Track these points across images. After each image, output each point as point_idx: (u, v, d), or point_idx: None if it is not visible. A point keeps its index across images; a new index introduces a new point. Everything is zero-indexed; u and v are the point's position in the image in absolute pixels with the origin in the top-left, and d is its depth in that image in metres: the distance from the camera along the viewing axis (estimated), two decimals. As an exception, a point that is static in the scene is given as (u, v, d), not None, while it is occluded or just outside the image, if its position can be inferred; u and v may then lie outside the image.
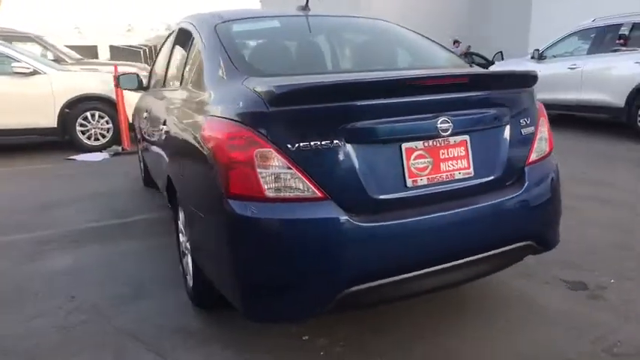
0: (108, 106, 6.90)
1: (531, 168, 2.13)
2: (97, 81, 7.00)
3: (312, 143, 1.69)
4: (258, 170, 1.67)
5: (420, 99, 1.84)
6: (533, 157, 2.15)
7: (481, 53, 12.94)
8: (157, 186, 4.04)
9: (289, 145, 1.68)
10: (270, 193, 1.68)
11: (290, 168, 1.68)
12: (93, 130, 6.94)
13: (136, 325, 2.35)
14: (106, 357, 2.12)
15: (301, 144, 1.68)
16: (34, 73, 6.62)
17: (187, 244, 2.41)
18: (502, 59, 10.86)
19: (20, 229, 3.77)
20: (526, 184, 2.07)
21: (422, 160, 1.86)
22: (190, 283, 2.47)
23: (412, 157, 1.84)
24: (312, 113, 1.71)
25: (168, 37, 3.71)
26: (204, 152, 1.89)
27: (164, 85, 3.34)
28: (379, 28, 2.92)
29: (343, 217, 1.71)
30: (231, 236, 1.76)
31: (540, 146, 2.19)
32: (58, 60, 9.17)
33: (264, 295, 1.77)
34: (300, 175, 1.69)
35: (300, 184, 1.69)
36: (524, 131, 2.12)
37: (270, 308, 1.80)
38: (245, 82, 1.91)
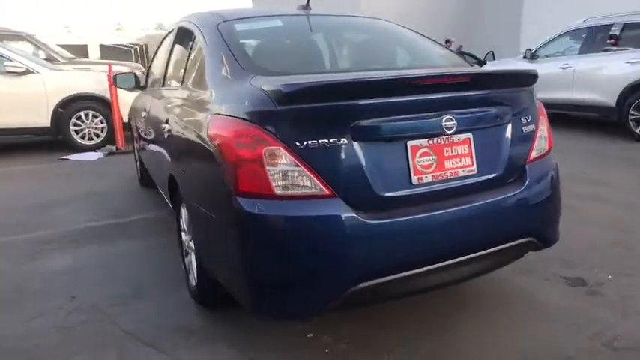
0: (102, 105, 6.88)
1: (532, 166, 2.16)
2: (91, 80, 6.97)
3: (319, 141, 1.70)
4: (267, 168, 1.68)
5: (426, 97, 1.86)
6: (533, 155, 2.18)
7: (472, 53, 13.02)
8: (154, 185, 4.03)
9: (297, 143, 1.69)
10: (278, 191, 1.69)
11: (298, 166, 1.69)
12: (87, 130, 6.90)
13: (137, 324, 2.35)
14: (108, 356, 2.12)
15: (309, 142, 1.70)
16: (27, 72, 6.58)
17: (190, 243, 2.41)
18: (493, 59, 10.93)
19: (18, 229, 3.75)
20: (527, 182, 2.10)
21: (427, 158, 1.88)
22: (193, 281, 2.47)
23: (417, 154, 1.86)
24: (319, 111, 1.73)
25: (166, 36, 3.71)
26: (211, 151, 1.90)
27: (163, 84, 3.34)
28: (381, 27, 2.94)
29: (351, 215, 1.73)
30: (240, 233, 1.77)
31: (540, 144, 2.22)
32: (50, 59, 9.10)
33: (272, 292, 1.78)
34: (308, 172, 1.70)
35: (308, 182, 1.71)
36: (525, 129, 2.15)
37: (278, 305, 1.81)
38: (252, 81, 1.92)
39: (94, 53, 22.97)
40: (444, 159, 1.92)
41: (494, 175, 2.04)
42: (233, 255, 1.84)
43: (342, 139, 1.73)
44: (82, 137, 6.90)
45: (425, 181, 1.88)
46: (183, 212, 2.51)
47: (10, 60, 6.52)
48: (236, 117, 1.81)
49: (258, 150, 1.69)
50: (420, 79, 1.88)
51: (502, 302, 2.49)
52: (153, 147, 3.30)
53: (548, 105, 7.45)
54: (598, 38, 7.16)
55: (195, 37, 2.67)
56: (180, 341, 2.21)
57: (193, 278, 2.46)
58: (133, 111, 4.57)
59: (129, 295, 2.64)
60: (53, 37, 16.53)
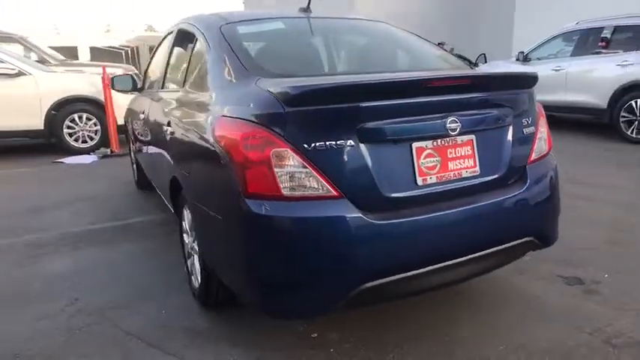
0: (96, 107, 6.84)
1: (532, 167, 2.20)
2: (85, 82, 6.93)
3: (326, 143, 1.73)
4: (275, 169, 1.70)
5: (431, 99, 1.89)
6: (534, 156, 2.22)
7: (464, 55, 13.08)
8: (152, 188, 4.03)
9: (305, 145, 1.71)
10: (286, 192, 1.71)
11: (306, 167, 1.71)
12: (81, 133, 6.87)
13: (140, 326, 2.36)
14: (113, 358, 2.12)
15: (316, 143, 1.72)
16: (20, 74, 6.54)
17: (194, 245, 2.42)
18: (485, 61, 11.02)
19: (17, 232, 3.73)
20: (528, 183, 2.13)
21: (431, 159, 1.91)
22: (196, 283, 2.48)
23: (422, 156, 1.89)
24: (326, 113, 1.75)
25: (164, 38, 3.70)
26: (217, 152, 1.91)
27: (163, 86, 3.34)
28: (383, 30, 2.97)
29: (358, 215, 1.75)
30: (249, 234, 1.78)
31: (540, 146, 2.27)
32: (42, 61, 9.04)
33: (280, 291, 1.80)
34: (315, 174, 1.72)
35: (315, 183, 1.73)
36: (525, 131, 2.19)
37: (286, 305, 1.83)
38: (258, 83, 1.94)
39: (84, 55, 22.79)
40: (448, 160, 1.95)
41: (497, 176, 2.08)
42: (241, 256, 1.85)
43: (349, 141, 1.75)
44: (76, 140, 6.86)
45: (429, 182, 1.91)
46: (186, 214, 2.52)
47: (2, 62, 6.47)
48: (243, 119, 1.83)
49: (266, 152, 1.71)
50: (426, 81, 1.91)
51: (501, 302, 2.52)
52: (152, 149, 3.30)
53: (542, 107, 7.54)
54: (590, 41, 7.25)
55: (196, 39, 2.68)
56: (185, 342, 2.22)
57: (196, 280, 2.47)
58: (130, 113, 4.55)
59: (131, 298, 2.64)
60: (43, 38, 16.41)
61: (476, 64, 11.68)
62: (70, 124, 6.78)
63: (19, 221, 3.99)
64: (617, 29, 6.94)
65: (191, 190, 2.33)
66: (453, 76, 2.07)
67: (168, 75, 3.31)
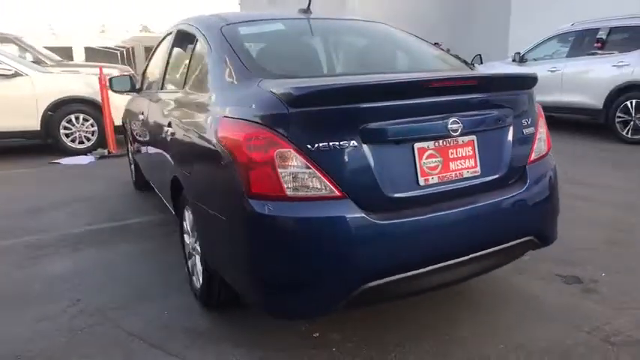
0: (92, 108, 6.82)
1: (532, 167, 2.22)
2: (81, 83, 6.91)
3: (330, 143, 1.74)
4: (279, 170, 1.71)
5: (433, 100, 1.91)
6: (533, 156, 2.24)
7: (459, 56, 13.07)
8: (150, 188, 4.02)
9: (308, 146, 1.72)
10: (290, 192, 1.72)
11: (309, 167, 1.72)
12: (77, 133, 6.85)
13: (141, 326, 2.36)
14: (116, 358, 2.12)
15: (320, 144, 1.73)
16: (16, 74, 6.52)
17: (195, 245, 2.42)
18: (481, 62, 11.07)
19: (16, 233, 3.72)
20: (528, 183, 2.15)
21: (433, 160, 1.92)
22: (197, 283, 2.48)
23: (424, 156, 1.90)
24: (330, 114, 1.76)
25: (163, 39, 3.70)
26: (220, 153, 1.92)
27: (162, 87, 3.33)
28: (382, 31, 2.99)
29: (361, 215, 1.76)
30: (252, 234, 1.79)
31: (540, 146, 2.28)
32: (37, 62, 9.02)
33: (283, 291, 1.81)
34: (319, 174, 1.73)
35: (319, 184, 1.74)
36: (525, 131, 2.21)
37: (289, 304, 1.84)
38: (260, 84, 1.95)
39: (79, 56, 22.69)
40: (450, 160, 1.96)
41: (497, 176, 2.09)
42: (244, 256, 1.86)
43: (352, 141, 1.76)
44: (73, 141, 6.84)
45: (431, 182, 1.92)
46: (187, 215, 2.52)
47: (-1, 62, 6.46)
48: (247, 120, 1.83)
49: (270, 152, 1.72)
50: (429, 82, 1.93)
51: (500, 301, 2.54)
52: (152, 150, 3.30)
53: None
54: (585, 42, 7.30)
55: (197, 39, 2.68)
56: (186, 343, 2.22)
57: (197, 280, 2.47)
58: (128, 114, 4.55)
59: (131, 298, 2.64)
60: (38, 39, 16.33)
61: (472, 65, 11.71)
62: (67, 124, 6.76)
63: (18, 222, 3.98)
64: (612, 30, 6.99)
65: (193, 190, 2.33)
66: (455, 77, 2.08)
67: (167, 76, 3.31)
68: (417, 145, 1.89)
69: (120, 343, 2.24)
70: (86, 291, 2.74)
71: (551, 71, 7.42)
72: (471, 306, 2.49)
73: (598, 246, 3.18)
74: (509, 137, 2.14)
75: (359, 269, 1.78)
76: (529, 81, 2.23)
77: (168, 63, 3.32)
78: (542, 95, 7.26)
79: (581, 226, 3.51)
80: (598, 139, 6.97)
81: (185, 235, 2.64)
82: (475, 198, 2.01)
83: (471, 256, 1.99)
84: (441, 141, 1.94)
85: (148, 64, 4.12)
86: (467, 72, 2.53)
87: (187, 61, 2.80)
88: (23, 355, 2.16)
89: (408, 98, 1.86)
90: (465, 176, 2.00)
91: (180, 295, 2.64)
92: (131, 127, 4.33)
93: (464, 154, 1.99)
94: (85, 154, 6.74)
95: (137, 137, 4.00)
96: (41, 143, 6.96)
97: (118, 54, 24.44)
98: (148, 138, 3.41)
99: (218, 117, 2.05)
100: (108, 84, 4.32)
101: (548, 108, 7.52)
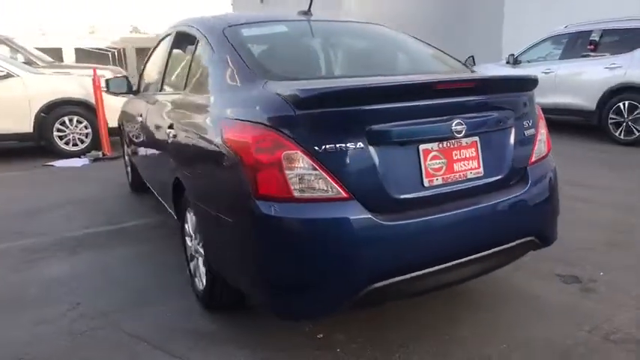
0: (86, 110, 6.76)
1: (533, 168, 2.24)
2: (75, 84, 6.85)
3: (336, 145, 1.74)
4: (286, 172, 1.71)
5: (438, 102, 1.92)
6: (534, 157, 2.26)
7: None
8: (146, 191, 4.00)
9: (315, 147, 1.73)
10: (297, 194, 1.73)
11: (316, 169, 1.73)
12: (71, 135, 6.78)
13: (143, 329, 2.35)
14: (119, 360, 2.12)
15: (326, 146, 1.73)
16: (7, 76, 6.45)
17: (198, 247, 2.41)
18: (474, 64, 11.15)
19: (11, 236, 3.68)
20: (529, 184, 2.18)
21: (437, 161, 1.94)
22: (200, 285, 2.47)
23: (429, 157, 1.92)
24: (336, 116, 1.77)
25: (161, 40, 3.69)
26: (225, 155, 1.92)
27: (161, 89, 3.32)
28: (384, 33, 3.00)
29: (367, 216, 1.77)
30: (259, 236, 1.79)
31: (540, 147, 2.31)
32: (29, 63, 8.93)
33: (289, 292, 1.81)
34: (325, 175, 1.74)
35: (325, 185, 1.74)
36: (526, 133, 2.23)
37: (295, 305, 1.85)
38: (266, 86, 1.95)
39: (69, 57, 22.51)
40: (454, 162, 1.98)
41: (499, 177, 2.11)
42: (250, 257, 1.86)
43: (358, 143, 1.77)
44: (67, 143, 6.77)
45: (435, 183, 1.94)
46: (189, 216, 2.51)
47: (-11, 64, 6.39)
48: (253, 122, 1.83)
49: (277, 154, 1.72)
50: (434, 84, 1.94)
51: (500, 301, 2.56)
52: (151, 151, 3.28)
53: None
54: (578, 44, 7.37)
55: (198, 41, 2.68)
56: (189, 344, 2.22)
57: (200, 282, 2.46)
58: (125, 116, 4.52)
59: (131, 301, 2.62)
60: (27, 39, 16.18)
61: (469, 67, 11.76)
62: (61, 126, 6.69)
63: (12, 225, 3.94)
64: (605, 33, 7.07)
65: (196, 192, 2.32)
66: (460, 80, 2.10)
67: (167, 78, 3.29)
68: (421, 147, 1.90)
69: (123, 345, 2.23)
70: (85, 294, 2.71)
71: (545, 73, 7.48)
72: (471, 306, 2.51)
73: (597, 246, 3.21)
74: (511, 139, 2.16)
75: (365, 270, 1.79)
76: (530, 83, 2.26)
77: (167, 65, 3.30)
78: (536, 97, 7.32)
79: (581, 227, 3.54)
80: (590, 141, 7.02)
81: (187, 237, 2.63)
82: (478, 199, 2.03)
83: (474, 256, 2.00)
84: (445, 142, 1.95)
85: (145, 66, 4.10)
86: (469, 74, 2.55)
87: (188, 63, 2.79)
88: (24, 358, 2.15)
89: (414, 100, 1.87)
90: (468, 177, 2.02)
91: (180, 298, 2.63)
92: (128, 129, 4.31)
93: (467, 156, 2.01)
94: (79, 157, 6.68)
95: (134, 139, 3.97)
96: (34, 146, 6.89)
97: (110, 55, 24.30)
98: (146, 140, 3.40)
99: (222, 119, 2.04)
100: (104, 86, 4.29)
101: (542, 110, 7.59)
